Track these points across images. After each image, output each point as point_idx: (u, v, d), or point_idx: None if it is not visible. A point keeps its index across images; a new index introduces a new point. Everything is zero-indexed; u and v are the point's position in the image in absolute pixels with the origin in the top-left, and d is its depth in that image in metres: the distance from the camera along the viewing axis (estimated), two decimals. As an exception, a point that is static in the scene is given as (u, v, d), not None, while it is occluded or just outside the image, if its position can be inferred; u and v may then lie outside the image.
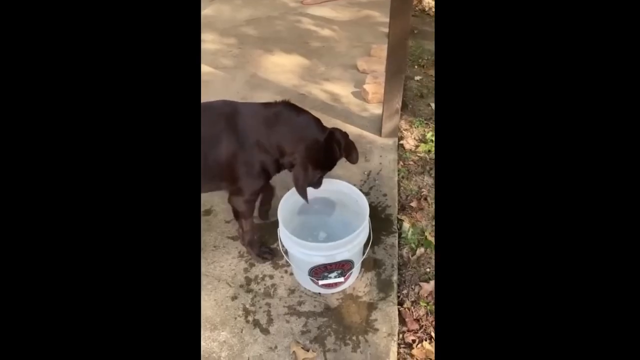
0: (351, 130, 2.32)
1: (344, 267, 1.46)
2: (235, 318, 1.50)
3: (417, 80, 2.81)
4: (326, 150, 1.44)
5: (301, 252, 1.41)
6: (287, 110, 1.46)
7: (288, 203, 1.54)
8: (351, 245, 1.41)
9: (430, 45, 3.24)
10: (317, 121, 1.47)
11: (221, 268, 1.66)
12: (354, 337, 1.42)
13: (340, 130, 1.51)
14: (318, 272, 1.45)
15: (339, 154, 1.49)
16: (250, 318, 1.50)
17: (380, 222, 1.79)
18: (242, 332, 1.46)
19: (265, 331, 1.46)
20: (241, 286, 1.60)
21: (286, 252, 1.54)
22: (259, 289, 1.59)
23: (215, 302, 1.55)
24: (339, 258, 1.40)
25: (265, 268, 1.66)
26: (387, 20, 3.30)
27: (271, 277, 1.63)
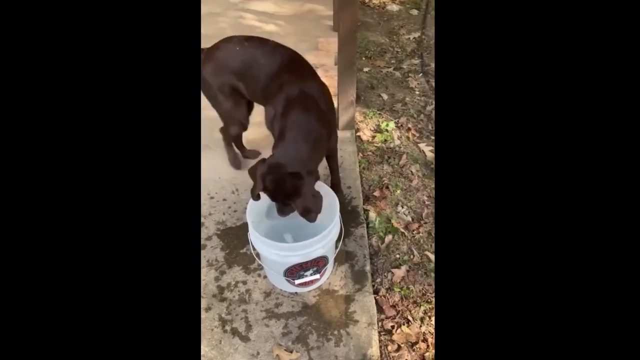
0: (308, 125, 2.31)
1: (319, 263, 1.45)
2: (212, 329, 1.45)
3: (366, 72, 2.85)
4: (277, 180, 1.37)
5: (275, 254, 1.39)
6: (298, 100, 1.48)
7: (256, 206, 1.51)
8: (325, 242, 1.41)
9: (374, 37, 3.29)
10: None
11: (190, 279, 1.59)
12: (335, 332, 1.43)
13: (312, 191, 1.40)
14: (294, 271, 1.44)
15: (285, 193, 1.39)
16: (227, 327, 1.45)
17: (347, 215, 1.80)
18: (220, 343, 1.41)
19: (245, 338, 1.42)
20: (214, 296, 1.54)
21: (257, 255, 1.51)
22: (233, 297, 1.54)
23: (188, 315, 1.48)
24: (314, 255, 1.40)
25: (237, 274, 1.61)
26: (331, 13, 3.33)
27: (244, 282, 1.59)
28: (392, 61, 3.01)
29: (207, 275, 1.61)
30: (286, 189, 1.37)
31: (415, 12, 3.71)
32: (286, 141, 1.41)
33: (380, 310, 1.52)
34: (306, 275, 1.47)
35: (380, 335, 1.45)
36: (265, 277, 1.60)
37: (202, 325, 1.46)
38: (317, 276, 1.49)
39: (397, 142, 2.28)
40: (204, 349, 1.39)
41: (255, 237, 1.42)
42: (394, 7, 3.80)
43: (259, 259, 1.52)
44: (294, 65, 1.63)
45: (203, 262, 1.65)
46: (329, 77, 2.53)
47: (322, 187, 1.55)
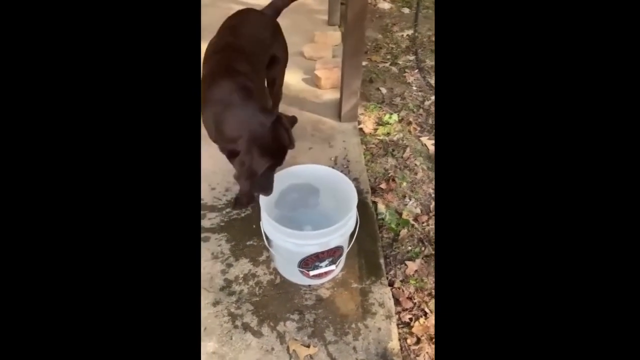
0: (309, 117, 2.25)
1: (335, 254, 1.39)
2: (222, 325, 1.35)
3: (363, 66, 2.81)
4: (273, 136, 1.35)
5: (292, 242, 1.31)
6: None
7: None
8: (343, 230, 1.35)
9: (368, 33, 3.26)
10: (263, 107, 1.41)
11: (195, 273, 1.49)
12: (352, 325, 1.37)
13: (287, 116, 1.43)
14: (309, 262, 1.37)
15: (288, 142, 1.41)
16: (238, 322, 1.36)
17: (357, 207, 1.75)
18: (231, 339, 1.32)
19: (258, 334, 1.34)
20: (221, 289, 1.45)
21: (270, 244, 1.43)
22: (242, 290, 1.45)
23: (194, 311, 1.38)
24: (332, 245, 1.33)
25: (244, 267, 1.53)
26: (325, 8, 3.29)
27: (253, 275, 1.50)
28: (388, 57, 2.99)
29: (212, 268, 1.51)
30: (287, 134, 1.39)
31: (406, 10, 3.72)
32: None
33: (397, 302, 1.46)
34: (321, 267, 1.40)
35: (398, 328, 1.40)
36: (274, 269, 1.52)
37: (210, 320, 1.36)
38: (333, 267, 1.43)
39: (400, 135, 2.25)
40: (214, 345, 1.30)
41: (270, 225, 1.34)
42: (385, 5, 3.80)
43: (271, 247, 1.44)
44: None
45: (207, 255, 1.55)
46: (329, 69, 2.48)
47: (338, 175, 1.50)
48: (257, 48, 1.60)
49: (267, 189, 1.38)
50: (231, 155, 1.41)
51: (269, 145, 1.33)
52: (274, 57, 1.74)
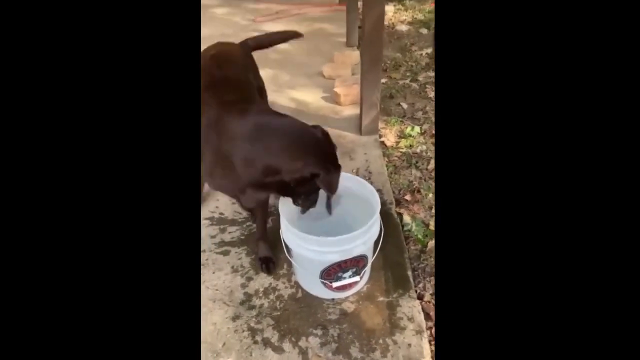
0: (329, 132, 2.22)
1: (358, 263, 1.31)
2: (241, 340, 1.28)
3: (383, 83, 2.80)
4: (329, 146, 1.24)
5: (313, 250, 1.25)
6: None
7: (288, 202, 1.38)
8: (366, 238, 1.28)
9: (387, 52, 3.29)
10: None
11: (214, 287, 1.44)
12: (380, 341, 1.27)
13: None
14: (331, 272, 1.30)
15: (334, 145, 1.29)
16: (258, 337, 1.29)
17: (382, 218, 1.67)
18: (251, 355, 1.25)
19: (279, 349, 1.26)
20: (241, 303, 1.39)
21: (290, 255, 1.37)
22: (263, 304, 1.39)
23: (213, 326, 1.32)
24: (355, 253, 1.26)
25: (265, 280, 1.47)
26: (343, 31, 3.34)
27: (274, 289, 1.44)
28: (408, 74, 2.98)
29: (232, 282, 1.46)
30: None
31: (425, 31, 3.74)
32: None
33: (427, 317, 1.36)
34: (345, 277, 1.32)
35: (430, 345, 1.29)
36: (295, 282, 1.45)
37: (230, 335, 1.29)
38: (357, 278, 1.35)
39: (423, 147, 2.19)
40: (233, 362, 1.23)
41: (290, 233, 1.28)
42: (403, 27, 3.84)
43: (291, 258, 1.38)
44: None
45: (227, 268, 1.51)
46: (348, 86, 2.48)
47: (359, 182, 1.44)
48: (247, 78, 1.51)
49: (315, 203, 1.30)
50: (297, 184, 1.18)
51: (334, 156, 1.22)
52: (260, 88, 1.66)
